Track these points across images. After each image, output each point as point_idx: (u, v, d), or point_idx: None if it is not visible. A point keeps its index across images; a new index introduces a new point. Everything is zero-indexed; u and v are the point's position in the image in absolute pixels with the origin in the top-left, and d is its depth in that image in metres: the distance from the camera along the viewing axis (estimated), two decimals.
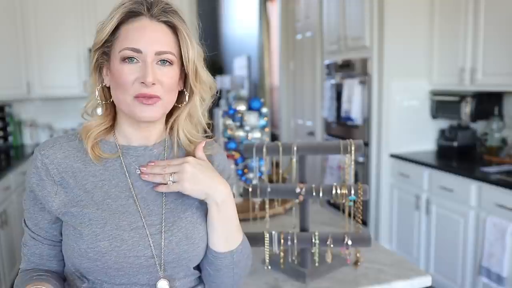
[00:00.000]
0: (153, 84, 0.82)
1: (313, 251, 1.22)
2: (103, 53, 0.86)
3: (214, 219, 0.89)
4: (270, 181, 1.89)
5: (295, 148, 1.24)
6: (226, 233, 0.91)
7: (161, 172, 0.85)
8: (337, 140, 1.26)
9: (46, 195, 0.84)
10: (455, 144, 3.08)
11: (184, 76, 0.90)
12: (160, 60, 0.83)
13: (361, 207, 1.26)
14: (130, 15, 0.83)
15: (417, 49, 3.21)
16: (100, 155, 0.86)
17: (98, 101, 0.88)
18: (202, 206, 0.92)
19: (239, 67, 8.28)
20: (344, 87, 3.46)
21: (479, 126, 3.14)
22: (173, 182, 0.85)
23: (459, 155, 3.07)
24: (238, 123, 1.88)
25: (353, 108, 3.35)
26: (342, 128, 3.65)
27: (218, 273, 0.92)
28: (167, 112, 0.89)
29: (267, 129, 1.94)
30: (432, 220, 2.87)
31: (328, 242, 1.20)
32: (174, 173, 0.85)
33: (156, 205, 0.87)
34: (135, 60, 0.82)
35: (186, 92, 0.91)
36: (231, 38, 8.92)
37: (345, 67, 3.55)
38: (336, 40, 3.68)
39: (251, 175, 1.88)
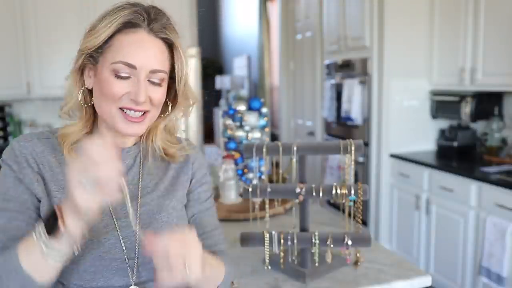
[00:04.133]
0: (144, 102, 0.81)
1: (313, 251, 1.22)
2: (90, 56, 0.82)
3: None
4: (270, 181, 1.89)
5: (295, 148, 1.24)
6: (214, 283, 0.89)
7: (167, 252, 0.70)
8: (337, 140, 1.26)
9: (29, 182, 0.81)
10: (455, 144, 3.08)
11: (167, 88, 0.88)
12: (152, 78, 0.82)
13: (361, 207, 1.26)
14: (127, 25, 0.80)
15: (417, 49, 3.21)
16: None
17: (81, 103, 0.85)
18: (178, 207, 0.92)
19: (239, 67, 8.28)
20: (344, 87, 3.46)
21: (479, 126, 3.14)
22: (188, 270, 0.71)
23: (459, 155, 3.07)
24: (238, 123, 1.88)
25: (353, 108, 3.35)
26: (342, 128, 3.65)
27: None
28: (151, 125, 0.88)
29: (267, 129, 1.94)
30: (432, 220, 2.87)
31: (328, 242, 1.20)
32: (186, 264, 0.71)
33: (131, 207, 0.85)
34: (127, 75, 0.79)
35: (169, 104, 0.90)
36: (231, 38, 8.92)
37: (345, 67, 3.55)
38: (336, 40, 3.68)
39: (251, 175, 1.88)
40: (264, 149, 1.25)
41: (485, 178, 2.47)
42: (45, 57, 3.60)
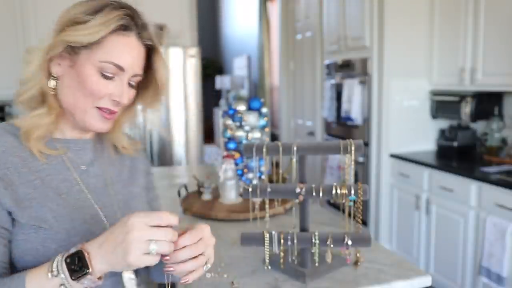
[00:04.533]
0: (123, 104, 0.85)
1: (313, 251, 1.22)
2: (72, 48, 0.80)
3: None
4: (270, 181, 1.89)
5: (295, 148, 1.24)
6: None
7: (191, 253, 0.73)
8: (337, 140, 1.26)
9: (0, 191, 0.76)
10: (455, 144, 3.09)
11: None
12: (131, 82, 0.85)
13: (361, 207, 1.26)
14: (121, 28, 0.81)
15: (417, 49, 3.21)
16: (45, 151, 0.82)
17: (51, 92, 0.82)
18: (143, 193, 0.98)
19: (239, 67, 8.28)
20: (344, 87, 3.46)
21: (479, 126, 3.14)
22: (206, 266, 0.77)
23: (459, 155, 3.07)
24: (238, 123, 1.88)
25: (353, 108, 3.35)
26: (342, 128, 3.65)
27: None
28: None
29: (267, 129, 1.94)
30: (432, 220, 2.87)
31: (328, 242, 1.20)
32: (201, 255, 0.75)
33: (106, 197, 0.88)
34: (112, 75, 0.82)
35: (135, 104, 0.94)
36: (231, 38, 8.92)
37: (345, 67, 3.55)
38: (336, 40, 3.68)
39: (251, 175, 1.88)
40: (264, 149, 1.25)
41: (485, 178, 2.47)
42: None
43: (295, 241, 1.21)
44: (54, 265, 0.68)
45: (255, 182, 1.88)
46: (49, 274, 0.68)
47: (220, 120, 1.95)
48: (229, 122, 1.89)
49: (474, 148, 3.12)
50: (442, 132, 3.26)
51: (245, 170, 1.88)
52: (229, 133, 1.90)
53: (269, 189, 1.24)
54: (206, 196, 1.94)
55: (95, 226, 0.82)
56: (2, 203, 0.75)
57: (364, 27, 3.25)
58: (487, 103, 2.93)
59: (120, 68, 0.81)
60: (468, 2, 2.82)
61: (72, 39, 0.78)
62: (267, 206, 1.30)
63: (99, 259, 0.67)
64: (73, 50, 0.80)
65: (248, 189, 1.24)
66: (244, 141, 1.87)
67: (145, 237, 0.66)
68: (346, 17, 3.50)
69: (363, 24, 3.27)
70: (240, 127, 1.88)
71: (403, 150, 3.26)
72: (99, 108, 0.82)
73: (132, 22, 0.82)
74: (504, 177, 2.44)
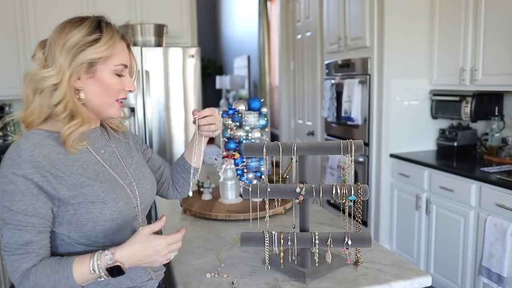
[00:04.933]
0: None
1: (313, 251, 1.22)
2: (89, 63, 1.01)
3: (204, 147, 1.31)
4: (270, 181, 1.89)
5: (295, 148, 1.24)
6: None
7: (207, 121, 1.22)
8: (337, 140, 1.26)
9: (55, 187, 0.96)
10: (455, 144, 3.09)
11: None
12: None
13: (361, 207, 1.26)
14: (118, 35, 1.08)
15: (417, 49, 3.21)
16: (79, 146, 1.03)
17: (82, 102, 1.04)
18: (143, 161, 1.26)
19: (239, 67, 8.28)
20: (344, 87, 3.46)
21: (479, 126, 3.14)
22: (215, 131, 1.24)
23: (459, 155, 3.07)
24: (238, 123, 1.88)
25: (353, 108, 3.34)
26: (342, 128, 3.65)
27: (193, 179, 1.35)
28: None
29: (267, 129, 1.94)
30: (432, 220, 2.87)
31: (328, 242, 1.20)
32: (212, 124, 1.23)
33: (122, 169, 1.13)
34: (122, 73, 1.08)
35: None
36: (231, 38, 8.92)
37: (345, 67, 3.55)
38: (336, 40, 3.68)
39: (251, 175, 1.88)
40: (264, 149, 1.25)
41: (485, 178, 2.47)
42: None
43: (295, 241, 1.21)
44: (95, 268, 0.95)
45: (255, 182, 1.88)
46: (91, 272, 0.95)
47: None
48: (229, 122, 1.89)
49: (474, 148, 3.12)
50: (442, 132, 3.26)
51: (245, 170, 1.88)
52: (229, 133, 1.90)
53: (269, 189, 1.23)
54: (206, 196, 1.94)
55: (124, 193, 1.08)
56: (62, 197, 0.97)
57: (364, 27, 3.25)
58: (487, 103, 2.93)
59: (126, 66, 1.08)
60: (468, 2, 2.82)
61: (97, 55, 1.01)
62: (267, 206, 1.30)
63: (130, 263, 0.98)
64: (90, 64, 1.02)
65: (248, 189, 1.23)
66: (244, 141, 1.87)
67: (166, 252, 1.00)
68: (346, 17, 3.50)
69: (363, 24, 3.27)
70: (240, 127, 1.88)
71: (403, 150, 3.26)
72: (117, 100, 1.09)
73: (119, 32, 1.08)
74: (504, 177, 2.44)
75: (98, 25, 1.03)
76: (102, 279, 0.97)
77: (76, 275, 0.94)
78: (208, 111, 1.21)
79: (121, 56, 1.06)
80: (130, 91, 1.10)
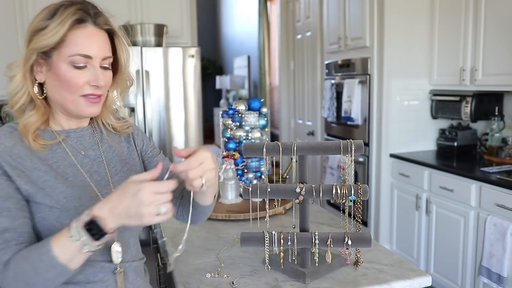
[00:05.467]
0: (103, 86, 0.95)
1: (313, 251, 1.22)
2: (43, 53, 0.91)
3: (210, 197, 1.04)
4: (270, 181, 1.89)
5: (295, 148, 1.24)
6: (216, 188, 1.05)
7: (189, 179, 0.89)
8: (337, 140, 1.26)
9: (15, 179, 0.89)
10: (455, 144, 3.09)
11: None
12: (104, 65, 0.96)
13: (361, 207, 1.26)
14: (77, 22, 0.92)
15: (417, 49, 3.21)
16: (45, 142, 0.95)
17: (38, 96, 0.95)
18: (138, 169, 1.10)
19: (239, 67, 8.28)
20: (344, 87, 3.46)
21: (479, 126, 3.14)
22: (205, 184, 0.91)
23: (459, 155, 3.07)
24: (238, 123, 1.88)
25: (353, 108, 3.35)
26: (342, 128, 3.65)
27: (206, 215, 1.14)
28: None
29: (267, 129, 1.94)
30: (432, 220, 2.87)
31: (328, 242, 1.20)
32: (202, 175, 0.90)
33: (104, 176, 1.01)
34: (84, 65, 0.92)
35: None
36: (231, 38, 8.92)
37: (345, 67, 3.55)
38: (336, 40, 3.68)
39: (251, 175, 1.88)
40: (264, 149, 1.25)
41: (485, 178, 2.47)
42: None
43: (295, 241, 1.21)
44: (73, 232, 0.80)
45: (255, 182, 1.88)
46: (70, 239, 0.81)
47: (220, 120, 1.95)
48: (229, 122, 1.89)
49: (474, 148, 3.12)
50: (442, 132, 3.26)
51: (245, 170, 1.88)
52: (229, 133, 1.90)
53: (269, 189, 1.23)
54: None
55: (94, 203, 0.90)
56: (19, 188, 0.89)
57: (364, 27, 3.25)
58: (487, 103, 2.93)
59: (87, 57, 0.92)
60: (468, 2, 2.82)
61: (39, 45, 0.90)
62: (267, 206, 1.30)
63: (113, 221, 0.81)
64: (46, 55, 0.92)
65: (248, 189, 1.23)
66: (244, 141, 1.87)
67: (155, 203, 0.80)
68: (346, 17, 3.50)
69: (363, 24, 3.27)
70: (240, 127, 1.88)
71: (403, 150, 3.26)
72: (84, 96, 0.94)
73: (86, 13, 0.93)
74: (504, 177, 2.44)
75: (65, 9, 0.91)
76: (86, 250, 0.81)
77: (55, 249, 0.81)
78: (191, 162, 0.87)
79: (80, 44, 0.91)
80: (95, 86, 0.94)
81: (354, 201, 1.21)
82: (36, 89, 0.94)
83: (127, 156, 1.10)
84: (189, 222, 0.97)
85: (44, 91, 0.96)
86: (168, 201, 0.82)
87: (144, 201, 0.79)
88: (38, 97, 0.95)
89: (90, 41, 0.92)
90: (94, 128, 1.07)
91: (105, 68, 0.96)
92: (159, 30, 3.71)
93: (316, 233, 1.21)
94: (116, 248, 0.95)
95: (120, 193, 0.81)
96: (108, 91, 1.03)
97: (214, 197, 1.08)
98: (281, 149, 1.25)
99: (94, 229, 0.80)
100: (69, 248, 0.81)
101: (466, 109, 2.95)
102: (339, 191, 1.19)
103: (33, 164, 0.91)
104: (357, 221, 1.29)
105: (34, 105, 0.95)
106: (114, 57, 1.00)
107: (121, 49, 1.00)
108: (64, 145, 0.99)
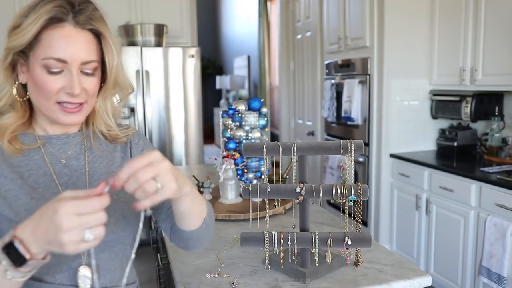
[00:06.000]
0: (79, 94, 0.83)
1: (313, 251, 1.22)
2: (20, 51, 0.83)
3: (189, 207, 0.85)
4: (270, 181, 1.89)
5: (295, 148, 1.24)
6: (200, 209, 0.90)
7: (138, 182, 0.67)
8: (337, 140, 1.26)
9: None
10: (455, 144, 3.09)
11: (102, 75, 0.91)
12: (85, 69, 0.84)
13: (361, 207, 1.26)
14: (53, 21, 0.80)
15: (417, 49, 3.21)
16: (21, 147, 0.86)
17: (17, 98, 0.86)
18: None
19: (239, 67, 8.29)
20: (344, 87, 3.47)
21: (479, 126, 3.14)
22: (160, 188, 0.69)
23: (459, 155, 3.07)
24: (238, 123, 1.88)
25: (353, 108, 3.35)
26: (342, 128, 3.65)
27: (198, 241, 0.96)
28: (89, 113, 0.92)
29: (267, 129, 1.94)
30: (432, 220, 2.87)
31: (328, 242, 1.20)
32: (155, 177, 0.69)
33: (82, 189, 0.87)
34: (59, 70, 0.81)
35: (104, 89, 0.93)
36: (231, 38, 8.92)
37: (345, 67, 3.55)
38: (336, 40, 3.68)
39: (251, 175, 1.88)
40: (264, 149, 1.25)
41: (485, 178, 2.47)
42: None
43: (295, 241, 1.21)
44: None
45: (255, 182, 1.88)
46: None
47: (220, 120, 1.95)
48: (229, 122, 1.89)
49: (474, 148, 3.12)
50: (442, 132, 3.26)
51: (245, 170, 1.88)
52: (229, 133, 1.90)
53: (269, 189, 1.23)
54: (206, 196, 1.94)
55: None
56: None
57: (364, 27, 3.25)
58: (487, 103, 2.93)
59: (62, 61, 0.81)
60: (468, 2, 2.82)
61: (12, 44, 0.81)
62: (267, 206, 1.30)
63: (36, 244, 0.66)
64: (25, 55, 0.82)
65: (248, 189, 1.23)
66: (244, 141, 1.87)
67: (77, 228, 0.63)
68: (346, 17, 3.50)
69: (363, 24, 3.27)
70: (240, 127, 1.88)
71: (403, 150, 3.26)
72: (59, 103, 0.84)
73: (65, 10, 0.81)
74: (504, 177, 2.44)
75: (43, 5, 0.80)
76: (10, 277, 0.66)
77: None
78: (134, 162, 0.68)
79: (54, 47, 0.79)
80: (69, 94, 0.82)
81: (354, 201, 1.21)
82: (15, 90, 0.86)
83: (117, 169, 0.95)
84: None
85: (28, 93, 0.88)
86: (99, 224, 0.65)
87: (62, 225, 0.62)
88: (18, 98, 0.86)
89: (65, 43, 0.80)
90: (84, 136, 0.95)
91: (87, 74, 0.85)
92: (159, 30, 3.71)
93: (316, 233, 1.21)
94: (83, 272, 0.83)
95: (41, 212, 0.66)
96: (97, 99, 0.92)
97: (204, 220, 0.91)
98: (281, 149, 1.25)
99: (12, 253, 0.66)
100: None
101: (466, 109, 2.95)
102: (339, 191, 1.19)
103: (1, 170, 0.82)
104: (357, 221, 1.29)
105: (4, 107, 0.88)
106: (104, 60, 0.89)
107: (107, 52, 0.86)
108: (43, 151, 0.89)
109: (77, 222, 0.63)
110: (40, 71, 0.81)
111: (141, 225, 0.72)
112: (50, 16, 0.79)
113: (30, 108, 0.90)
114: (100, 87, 0.91)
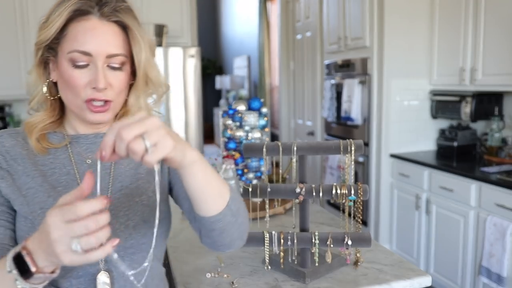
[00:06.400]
0: (104, 88, 0.80)
1: (313, 251, 1.22)
2: (50, 48, 0.82)
3: (202, 181, 0.73)
4: (270, 181, 1.89)
5: (295, 148, 1.24)
6: (218, 187, 0.77)
7: (123, 141, 0.60)
8: (337, 140, 1.26)
9: None
10: (455, 144, 3.09)
11: (134, 70, 0.86)
12: (112, 63, 0.81)
13: (361, 207, 1.26)
14: (78, 13, 0.79)
15: (417, 49, 3.21)
16: (48, 145, 0.85)
17: (47, 96, 0.85)
18: (160, 189, 0.89)
19: (239, 67, 8.29)
20: (344, 87, 3.47)
21: (479, 126, 3.14)
22: (150, 146, 0.60)
23: (459, 155, 3.07)
24: (238, 123, 1.88)
25: (353, 108, 3.35)
26: (342, 128, 3.65)
27: (224, 233, 0.81)
28: (118, 111, 0.88)
29: (267, 129, 1.94)
30: (432, 220, 2.87)
31: (328, 242, 1.20)
32: (143, 135, 0.60)
33: (103, 192, 0.85)
34: (85, 63, 0.79)
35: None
36: (231, 38, 8.92)
37: (345, 67, 3.55)
38: (336, 40, 3.68)
39: (251, 175, 1.88)
40: (264, 149, 1.25)
41: (485, 178, 2.47)
42: None
43: (295, 241, 1.21)
44: (8, 263, 0.64)
45: (255, 182, 1.88)
46: (4, 266, 0.64)
47: (220, 120, 1.95)
48: (229, 122, 1.89)
49: (474, 148, 3.12)
50: (442, 132, 3.26)
51: (245, 170, 1.88)
52: (229, 133, 1.90)
53: (269, 189, 1.24)
54: None
55: None
56: (1, 191, 0.80)
57: (364, 27, 3.25)
58: (487, 103, 2.93)
59: (86, 54, 0.78)
60: (468, 2, 2.82)
61: (39, 39, 0.80)
62: (267, 206, 1.30)
63: (42, 257, 0.62)
64: (54, 51, 0.81)
65: (248, 189, 1.24)
66: (244, 141, 1.87)
67: (64, 237, 0.58)
68: (346, 17, 3.50)
69: (363, 24, 3.27)
70: (240, 127, 1.88)
71: (403, 150, 3.26)
72: (87, 102, 0.81)
73: (91, 3, 0.79)
74: (504, 177, 2.44)
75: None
76: (20, 286, 0.63)
77: None
78: (119, 123, 0.61)
79: (78, 40, 0.78)
80: (94, 88, 0.79)
81: (354, 201, 1.21)
82: (45, 88, 0.84)
83: (142, 171, 0.90)
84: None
85: (59, 91, 0.86)
86: (86, 232, 0.57)
87: (50, 235, 0.58)
88: (48, 97, 0.85)
89: (90, 36, 0.78)
90: None
91: (114, 68, 0.81)
92: (159, 30, 3.71)
93: (316, 233, 1.21)
94: (102, 279, 0.80)
95: (43, 222, 0.61)
96: (129, 96, 0.88)
97: (227, 205, 0.78)
98: (281, 149, 1.25)
99: (21, 264, 0.62)
100: (4, 277, 0.64)
101: (466, 109, 2.95)
102: (339, 191, 1.19)
103: (25, 168, 0.82)
104: (357, 221, 1.29)
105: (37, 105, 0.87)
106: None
107: (134, 45, 0.82)
108: (70, 150, 0.87)
109: (63, 231, 0.57)
110: (67, 66, 0.79)
111: (157, 197, 0.66)
112: (75, 8, 0.78)
113: (61, 108, 0.89)
114: (132, 85, 0.88)
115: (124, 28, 0.82)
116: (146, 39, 0.84)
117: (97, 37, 0.78)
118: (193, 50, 3.74)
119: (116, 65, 0.81)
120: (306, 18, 4.43)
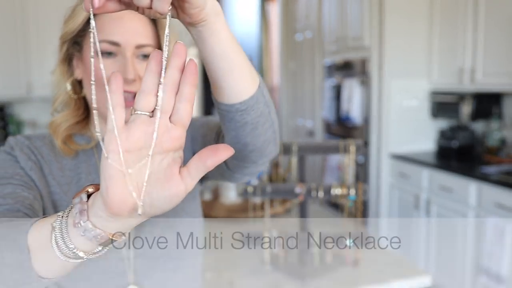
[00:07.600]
0: (134, 80, 0.74)
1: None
2: (75, 43, 0.78)
3: (228, 41, 0.55)
4: (270, 181, 1.89)
5: (295, 148, 1.24)
6: (246, 60, 0.59)
7: None
8: (337, 140, 1.27)
9: (25, 167, 0.75)
10: (454, 144, 3.09)
11: None
12: (141, 54, 0.76)
13: (361, 207, 1.26)
14: None
15: (417, 49, 3.21)
16: (75, 147, 0.80)
17: (71, 95, 0.80)
18: (190, 195, 0.84)
19: None
20: (344, 87, 3.47)
21: (479, 126, 3.14)
22: None
23: (458, 155, 3.07)
24: None
25: (353, 108, 3.35)
26: (342, 128, 3.66)
27: (258, 129, 0.66)
28: None
29: None
30: (432, 220, 2.88)
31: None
32: None
33: None
34: (113, 54, 0.74)
35: None
36: None
37: (345, 67, 3.55)
38: (336, 40, 3.68)
39: None
40: None
41: (484, 178, 2.47)
42: (45, 56, 3.60)
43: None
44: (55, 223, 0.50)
45: (255, 182, 1.88)
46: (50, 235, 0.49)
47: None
48: None
49: (474, 148, 3.12)
50: (441, 132, 3.27)
51: None
52: None
53: (269, 189, 1.24)
54: (206, 196, 1.95)
55: None
56: (31, 177, 0.74)
57: (364, 27, 3.25)
58: (486, 103, 2.93)
59: (114, 43, 0.73)
60: (467, 2, 2.82)
61: (64, 32, 0.77)
62: (267, 206, 1.31)
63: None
64: (79, 45, 0.78)
65: (248, 189, 1.24)
66: None
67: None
68: (346, 17, 3.51)
69: (363, 24, 3.27)
70: None
71: (403, 150, 3.26)
72: None
73: None
74: (504, 177, 2.44)
75: None
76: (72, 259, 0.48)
77: (30, 238, 0.49)
78: None
79: (106, 30, 0.73)
80: (123, 80, 0.67)
81: (354, 201, 1.21)
82: (69, 86, 0.80)
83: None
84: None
85: (83, 90, 0.81)
86: None
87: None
88: (72, 95, 0.81)
89: (117, 25, 0.73)
90: None
91: (143, 59, 0.76)
92: None
93: (316, 233, 1.21)
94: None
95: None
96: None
97: (259, 87, 0.62)
98: (281, 149, 1.25)
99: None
100: (44, 247, 0.49)
101: (466, 109, 2.95)
102: (339, 191, 1.19)
103: (52, 168, 0.79)
104: (356, 221, 1.29)
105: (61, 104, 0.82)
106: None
107: (162, 35, 0.76)
108: (96, 155, 0.82)
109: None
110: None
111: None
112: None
113: (86, 108, 0.84)
114: None
115: (153, 19, 0.77)
116: (176, 30, 0.77)
117: (125, 25, 0.74)
118: (193, 50, 3.74)
119: (146, 54, 0.76)
120: (306, 18, 4.43)
